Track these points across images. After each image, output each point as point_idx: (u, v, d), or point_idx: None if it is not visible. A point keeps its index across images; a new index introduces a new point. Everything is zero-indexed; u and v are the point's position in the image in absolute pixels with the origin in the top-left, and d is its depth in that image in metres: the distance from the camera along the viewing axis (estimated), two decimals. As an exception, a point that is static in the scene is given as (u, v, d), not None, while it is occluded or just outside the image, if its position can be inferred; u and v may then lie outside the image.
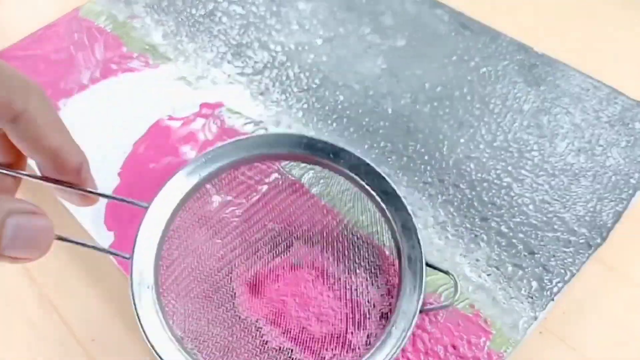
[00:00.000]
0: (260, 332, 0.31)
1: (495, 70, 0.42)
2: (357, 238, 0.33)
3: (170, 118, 0.41)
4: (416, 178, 0.37)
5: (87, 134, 0.41)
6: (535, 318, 0.31)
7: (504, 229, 0.34)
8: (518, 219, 0.35)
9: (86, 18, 0.49)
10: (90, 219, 0.36)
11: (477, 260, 0.33)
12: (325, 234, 0.33)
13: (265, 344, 0.30)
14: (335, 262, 0.33)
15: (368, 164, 0.31)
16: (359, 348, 0.29)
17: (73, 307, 0.35)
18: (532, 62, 0.43)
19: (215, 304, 0.31)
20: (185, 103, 0.42)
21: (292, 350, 0.30)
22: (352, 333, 0.30)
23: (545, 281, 0.32)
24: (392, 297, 0.30)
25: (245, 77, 0.44)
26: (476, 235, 0.34)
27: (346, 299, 0.31)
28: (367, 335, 0.30)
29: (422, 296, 0.28)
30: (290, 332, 0.31)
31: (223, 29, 0.47)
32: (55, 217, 0.37)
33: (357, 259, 0.33)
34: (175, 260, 0.30)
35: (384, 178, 0.31)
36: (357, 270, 0.32)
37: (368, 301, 0.31)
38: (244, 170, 0.33)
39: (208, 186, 0.32)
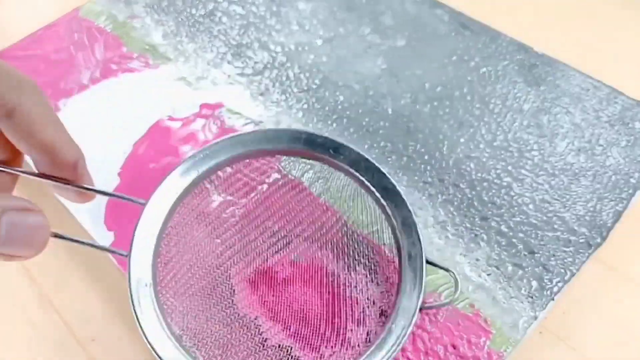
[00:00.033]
0: (259, 329, 0.31)
1: (495, 70, 0.42)
2: (357, 235, 0.33)
3: (171, 118, 0.41)
4: (416, 178, 0.37)
5: (87, 134, 0.41)
6: (535, 318, 0.31)
7: (504, 228, 0.34)
8: (518, 219, 0.35)
9: (86, 18, 0.49)
10: (90, 219, 0.36)
11: (477, 259, 0.33)
12: (324, 231, 0.33)
13: (265, 341, 0.30)
14: (335, 259, 0.33)
15: (368, 160, 0.31)
16: (358, 345, 0.29)
17: (73, 307, 0.35)
18: (532, 62, 0.43)
19: (214, 301, 0.31)
20: (185, 103, 0.42)
21: (291, 348, 0.30)
22: (351, 330, 0.30)
23: (545, 281, 0.32)
24: (392, 295, 0.30)
25: (245, 77, 0.44)
26: (476, 235, 0.34)
27: (346, 296, 0.31)
28: (367, 333, 0.30)
29: (422, 293, 0.28)
30: (289, 329, 0.31)
31: (223, 29, 0.47)
32: (55, 217, 0.37)
33: (356, 256, 0.32)
34: (173, 257, 0.30)
35: (384, 174, 0.31)
36: (357, 268, 0.32)
37: (368, 298, 0.31)
38: (242, 167, 0.33)
39: (206, 183, 0.32)
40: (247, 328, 0.31)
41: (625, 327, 0.32)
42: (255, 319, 0.31)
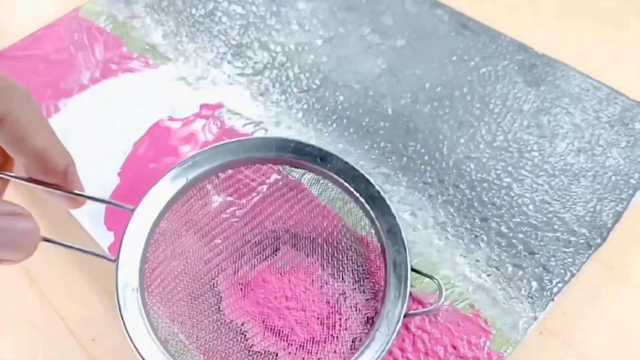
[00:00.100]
0: (245, 335, 0.31)
1: (495, 70, 0.42)
2: (344, 242, 0.33)
3: (171, 119, 0.41)
4: (416, 178, 0.37)
5: (87, 134, 0.41)
6: (535, 318, 0.31)
7: (504, 229, 0.35)
8: (518, 219, 0.35)
9: (86, 18, 0.49)
10: (90, 219, 0.36)
11: (477, 260, 0.33)
12: (310, 239, 0.33)
13: (251, 347, 0.30)
14: (321, 265, 0.33)
15: (355, 169, 0.31)
16: (344, 352, 0.29)
17: (73, 307, 0.35)
18: (532, 62, 0.43)
19: (201, 307, 0.31)
20: (185, 103, 0.42)
21: (277, 355, 0.30)
22: (337, 337, 0.30)
23: (545, 281, 0.32)
24: (377, 301, 0.30)
25: (245, 77, 0.44)
26: (476, 236, 0.34)
27: (332, 303, 0.31)
28: (352, 340, 0.30)
29: (406, 301, 0.28)
30: (275, 335, 0.31)
31: (223, 29, 0.47)
32: (55, 217, 0.37)
33: (343, 263, 0.32)
34: (161, 263, 0.30)
35: (370, 182, 0.31)
36: (344, 274, 0.32)
37: (354, 305, 0.31)
38: (231, 174, 0.33)
39: (195, 189, 0.32)
40: (234, 334, 0.31)
41: (625, 327, 0.32)
42: (242, 325, 0.31)
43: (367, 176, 0.31)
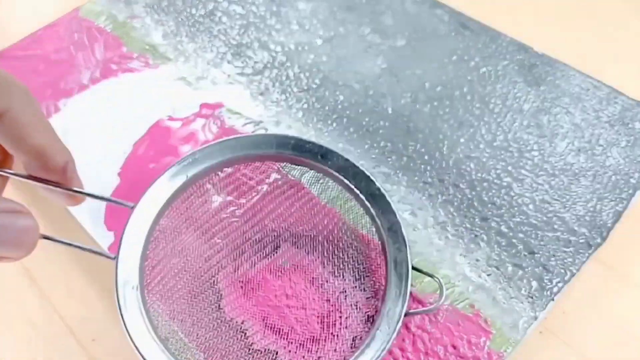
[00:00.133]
0: (245, 334, 0.31)
1: (495, 70, 0.42)
2: (344, 240, 0.33)
3: (170, 118, 0.41)
4: (416, 178, 0.37)
5: (87, 134, 0.41)
6: (535, 318, 0.31)
7: (504, 228, 0.34)
8: (518, 219, 0.35)
9: (86, 18, 0.49)
10: (90, 219, 0.36)
11: (477, 260, 0.33)
12: (311, 237, 0.33)
13: (250, 345, 0.30)
14: (322, 264, 0.33)
15: (355, 166, 0.31)
16: (344, 351, 0.29)
17: (73, 307, 0.35)
18: (532, 62, 0.43)
19: (201, 305, 0.31)
20: (185, 103, 0.42)
21: (277, 353, 0.30)
22: (337, 335, 0.30)
23: (545, 281, 0.32)
24: (377, 300, 0.30)
25: (245, 77, 0.44)
26: (476, 235, 0.34)
27: (332, 301, 0.31)
28: (353, 338, 0.30)
29: (407, 299, 0.28)
30: (275, 334, 0.31)
31: (223, 29, 0.47)
32: (55, 217, 0.37)
33: (343, 261, 0.32)
34: (161, 260, 0.30)
35: (371, 180, 0.31)
36: (344, 273, 0.32)
37: (354, 304, 0.31)
38: (231, 171, 0.33)
39: (195, 187, 0.32)
40: (234, 332, 0.31)
41: (625, 326, 0.32)
42: (242, 323, 0.31)
43: (368, 174, 0.31)
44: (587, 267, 0.33)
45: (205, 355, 0.29)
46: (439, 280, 0.29)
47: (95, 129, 0.41)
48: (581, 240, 0.34)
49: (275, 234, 0.34)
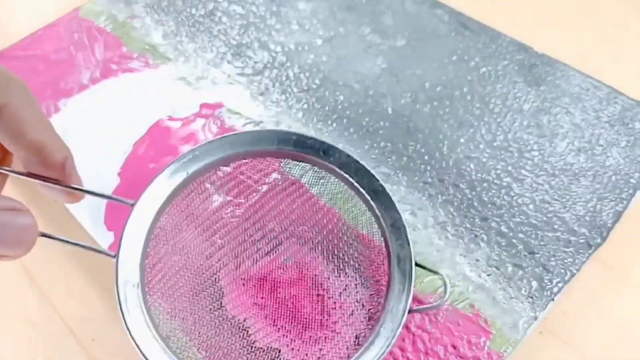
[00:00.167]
0: (247, 331, 0.30)
1: (495, 70, 0.42)
2: (347, 237, 0.33)
3: (170, 118, 0.41)
4: (416, 178, 0.37)
5: (87, 134, 0.41)
6: (536, 318, 0.31)
7: (504, 229, 0.34)
8: (518, 219, 0.35)
9: (86, 18, 0.49)
10: (90, 219, 0.36)
11: (477, 260, 0.33)
12: (313, 233, 0.33)
13: (253, 343, 0.30)
14: (325, 261, 0.33)
15: (357, 162, 0.31)
16: (347, 348, 0.29)
17: (73, 307, 0.35)
18: (532, 62, 0.43)
19: (203, 303, 0.31)
20: (185, 103, 0.42)
21: (279, 351, 0.30)
22: (340, 332, 0.30)
23: (546, 281, 0.32)
24: (381, 297, 0.30)
25: (245, 77, 0.44)
26: (476, 235, 0.34)
27: (335, 298, 0.31)
28: (356, 336, 0.30)
29: (410, 296, 0.28)
30: (278, 331, 0.31)
31: (223, 29, 0.47)
32: (55, 217, 0.37)
33: (346, 259, 0.32)
34: (161, 258, 0.30)
35: (373, 176, 0.30)
36: (347, 270, 0.32)
37: (357, 301, 0.31)
38: (232, 168, 0.33)
39: (195, 184, 0.31)
40: (236, 330, 0.30)
41: (625, 326, 0.32)
42: (244, 321, 0.31)
43: (370, 170, 0.30)
44: (587, 267, 0.33)
45: (206, 354, 0.29)
46: (443, 277, 0.29)
47: (95, 129, 0.41)
48: (581, 240, 0.34)
49: (278, 231, 0.33)
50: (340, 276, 0.32)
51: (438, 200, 0.36)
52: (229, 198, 0.34)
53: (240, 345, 0.30)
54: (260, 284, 0.32)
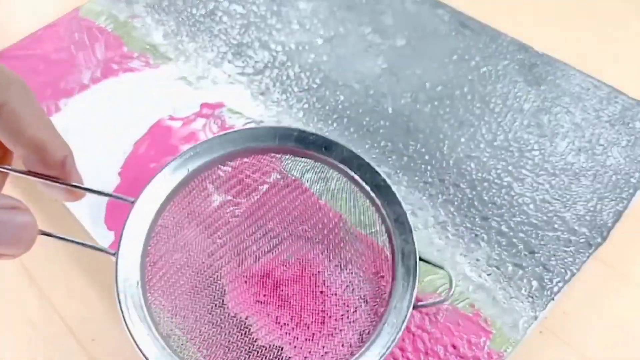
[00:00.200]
0: (249, 329, 0.30)
1: (496, 69, 0.42)
2: (350, 233, 0.33)
3: (171, 118, 0.41)
4: (416, 178, 0.37)
5: (88, 133, 0.41)
6: (536, 318, 0.31)
7: (504, 228, 0.34)
8: (518, 219, 0.35)
9: (86, 18, 0.49)
10: (90, 219, 0.36)
11: (478, 259, 0.33)
12: (316, 230, 0.33)
13: (255, 341, 0.30)
14: (328, 257, 0.32)
15: (360, 157, 0.30)
16: (351, 345, 0.29)
17: (73, 307, 0.35)
18: (533, 62, 0.43)
19: (204, 301, 0.31)
20: (186, 103, 0.42)
21: (282, 349, 0.30)
22: (344, 330, 0.30)
23: (546, 281, 0.32)
24: (385, 293, 0.30)
25: (245, 77, 0.44)
26: (476, 235, 0.34)
27: (339, 295, 0.31)
28: (360, 333, 0.29)
29: (415, 292, 0.27)
30: (280, 329, 0.30)
31: (224, 28, 0.47)
32: (55, 217, 0.37)
33: (349, 255, 0.32)
34: (162, 256, 0.30)
35: (376, 171, 0.30)
36: (350, 266, 0.32)
37: (361, 297, 0.31)
38: (234, 165, 0.32)
39: (196, 181, 0.31)
40: (238, 328, 0.30)
41: (625, 326, 0.32)
42: (246, 319, 0.31)
43: (373, 165, 0.30)
44: (587, 267, 0.33)
45: (208, 352, 0.29)
46: (448, 272, 0.28)
47: (95, 129, 0.41)
48: (581, 240, 0.34)
49: (280, 229, 0.33)
50: (343, 273, 0.32)
51: (438, 199, 0.36)
52: (229, 196, 0.33)
53: (241, 343, 0.30)
54: (262, 282, 0.32)
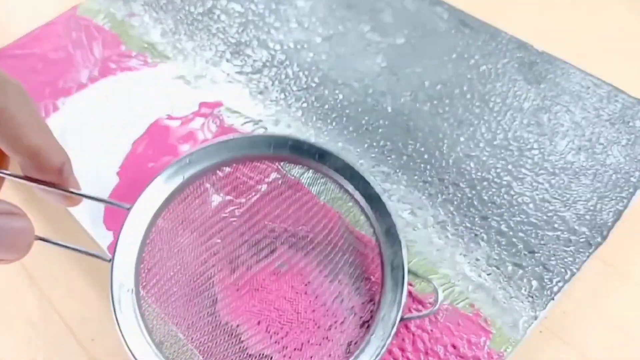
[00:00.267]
0: (240, 338, 0.30)
1: (495, 68, 0.42)
2: (341, 243, 0.33)
3: (169, 117, 0.41)
4: (416, 177, 0.37)
5: (86, 133, 0.41)
6: (536, 317, 0.31)
7: (504, 228, 0.34)
8: (518, 218, 0.35)
9: (84, 16, 0.49)
10: (90, 219, 0.36)
11: (477, 259, 0.33)
12: (308, 239, 0.33)
13: (245, 350, 0.30)
14: (318, 267, 0.33)
15: (353, 167, 0.31)
16: (339, 356, 0.29)
17: (73, 307, 0.35)
18: (532, 60, 0.43)
19: (197, 308, 0.31)
20: (184, 102, 0.42)
21: (271, 358, 0.30)
22: (332, 340, 0.30)
23: (546, 280, 0.32)
24: (373, 305, 0.30)
25: (244, 75, 0.44)
26: (476, 235, 0.34)
27: (328, 305, 0.31)
28: (348, 343, 0.30)
29: (402, 304, 0.28)
30: (270, 338, 0.30)
31: (222, 27, 0.47)
32: (54, 216, 0.37)
33: (340, 265, 0.32)
34: (157, 263, 0.30)
35: (368, 183, 0.30)
36: (340, 277, 0.32)
37: (350, 308, 0.31)
38: (228, 172, 0.33)
39: (191, 188, 0.31)
40: (229, 336, 0.30)
41: (625, 326, 0.32)
42: (237, 327, 0.31)
43: (366, 175, 0.30)
44: (587, 266, 0.33)
45: (200, 359, 0.29)
46: (434, 285, 0.29)
47: (94, 128, 0.41)
48: (581, 239, 0.34)
49: (272, 237, 0.33)
50: (333, 283, 0.32)
51: (438, 199, 0.36)
52: (224, 203, 0.33)
53: (233, 351, 0.30)
54: (253, 291, 0.32)
